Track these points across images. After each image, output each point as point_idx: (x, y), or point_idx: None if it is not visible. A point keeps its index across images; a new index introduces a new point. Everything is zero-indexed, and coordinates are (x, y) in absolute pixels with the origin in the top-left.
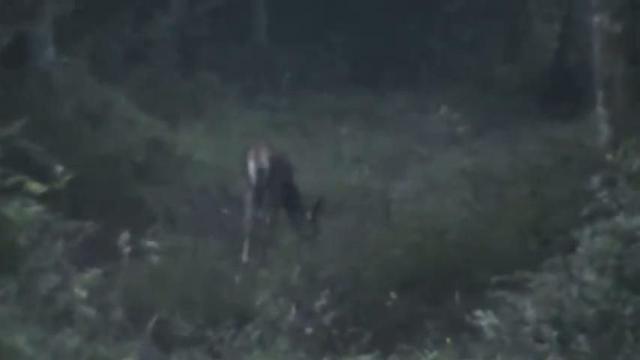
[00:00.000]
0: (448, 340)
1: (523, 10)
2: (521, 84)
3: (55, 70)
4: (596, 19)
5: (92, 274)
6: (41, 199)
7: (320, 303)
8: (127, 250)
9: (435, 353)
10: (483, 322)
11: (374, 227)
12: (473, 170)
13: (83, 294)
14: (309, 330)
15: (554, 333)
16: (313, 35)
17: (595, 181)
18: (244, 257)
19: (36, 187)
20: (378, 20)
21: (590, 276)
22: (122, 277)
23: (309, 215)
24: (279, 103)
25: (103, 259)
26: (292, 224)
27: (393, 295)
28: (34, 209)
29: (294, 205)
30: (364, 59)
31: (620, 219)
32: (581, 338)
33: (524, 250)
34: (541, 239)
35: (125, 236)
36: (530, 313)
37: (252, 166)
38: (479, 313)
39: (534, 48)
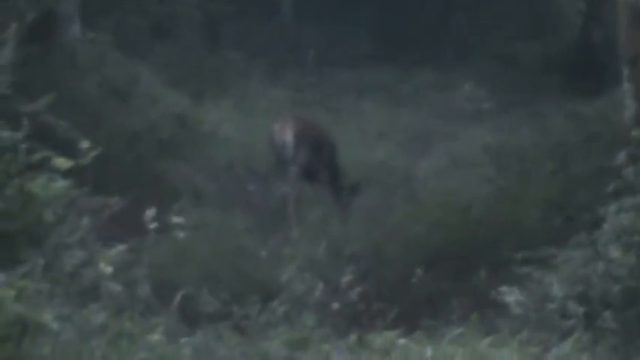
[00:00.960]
0: (474, 316)
1: None
2: (545, 61)
3: (81, 45)
4: None
5: (118, 250)
6: (67, 174)
7: (346, 279)
8: (153, 226)
9: (461, 329)
10: (509, 298)
11: (398, 204)
12: (497, 147)
13: (109, 270)
14: (335, 306)
15: (580, 309)
16: (338, 12)
17: (621, 157)
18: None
19: (61, 162)
20: None
21: (615, 252)
22: (148, 253)
23: (343, 194)
24: (303, 80)
25: (129, 235)
26: (330, 198)
27: (418, 271)
28: (60, 185)
29: (329, 179)
30: (388, 36)
31: None
32: (607, 314)
33: (550, 227)
34: (566, 216)
35: (151, 212)
36: (556, 289)
37: (276, 140)
38: (504, 289)
39: (559, 24)
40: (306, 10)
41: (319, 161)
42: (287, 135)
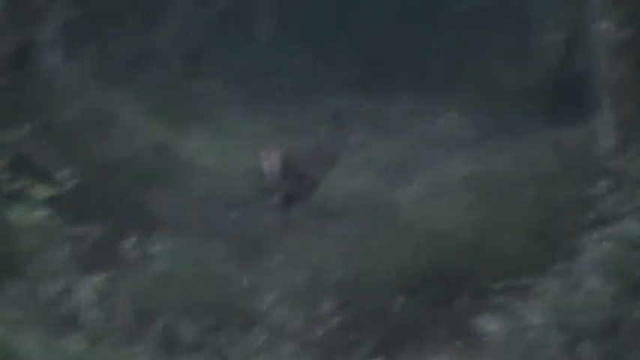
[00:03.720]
0: (454, 345)
1: (529, 15)
2: (526, 89)
3: (61, 73)
4: (603, 24)
5: (98, 278)
6: (46, 203)
7: (326, 308)
8: (133, 254)
9: (442, 358)
10: (489, 327)
11: (379, 232)
12: (477, 175)
13: (89, 298)
14: (315, 335)
15: (560, 338)
16: (318, 39)
17: (601, 186)
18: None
19: (40, 191)
20: (385, 23)
21: (595, 281)
22: (128, 281)
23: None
24: (284, 107)
25: (109, 263)
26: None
27: (399, 299)
28: (40, 214)
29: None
30: (370, 63)
31: (626, 224)
32: (587, 343)
33: (530, 255)
34: (546, 244)
35: (130, 241)
36: (537, 318)
37: (264, 168)
38: (485, 318)
39: (541, 53)
40: (286, 37)
41: (302, 190)
42: (273, 163)
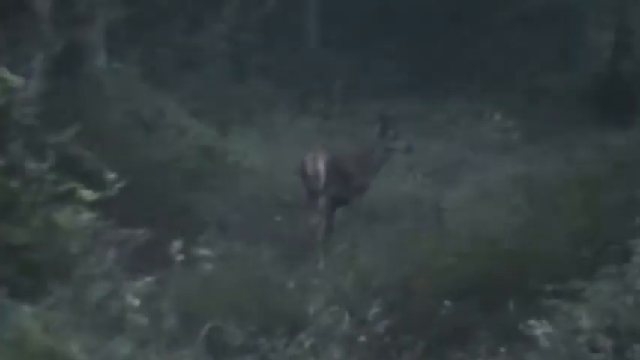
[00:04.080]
0: (502, 349)
1: (576, 17)
2: (574, 92)
3: (107, 76)
4: None
5: (144, 281)
6: (93, 206)
7: (373, 311)
8: (179, 257)
9: None
10: (538, 331)
11: (427, 235)
12: (525, 178)
13: (135, 301)
14: (362, 338)
15: (610, 342)
16: (365, 41)
17: None
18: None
19: (88, 194)
20: (431, 26)
21: None
22: (174, 284)
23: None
24: (331, 109)
25: (155, 266)
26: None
27: (446, 303)
28: (86, 216)
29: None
30: (417, 66)
31: None
32: (637, 347)
33: (578, 259)
34: (595, 248)
35: (177, 244)
36: (585, 322)
37: (308, 171)
38: (533, 321)
39: (588, 55)
40: (333, 39)
41: (349, 193)
42: (319, 165)
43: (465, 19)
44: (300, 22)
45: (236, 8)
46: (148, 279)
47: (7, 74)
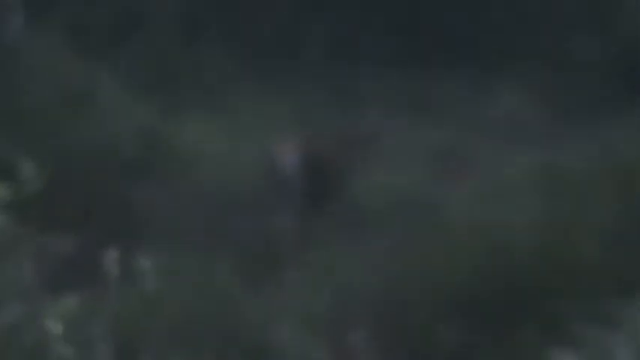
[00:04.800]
0: None
1: None
2: (604, 60)
3: (25, 44)
4: None
5: (70, 302)
6: (7, 206)
7: (356, 338)
8: (115, 270)
9: None
10: None
11: (423, 242)
12: (547, 168)
13: (58, 327)
14: None
15: None
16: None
17: None
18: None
19: (0, 191)
20: None
21: None
22: (108, 305)
23: None
24: (305, 83)
25: (84, 282)
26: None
27: (449, 326)
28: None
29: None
30: (416, 31)
31: None
32: None
33: (613, 271)
34: (634, 255)
35: (112, 253)
36: (623, 353)
37: (279, 161)
38: (558, 350)
39: (618, 18)
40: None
41: (326, 189)
42: (290, 157)
43: None
44: None
45: None
46: (75, 298)
47: None
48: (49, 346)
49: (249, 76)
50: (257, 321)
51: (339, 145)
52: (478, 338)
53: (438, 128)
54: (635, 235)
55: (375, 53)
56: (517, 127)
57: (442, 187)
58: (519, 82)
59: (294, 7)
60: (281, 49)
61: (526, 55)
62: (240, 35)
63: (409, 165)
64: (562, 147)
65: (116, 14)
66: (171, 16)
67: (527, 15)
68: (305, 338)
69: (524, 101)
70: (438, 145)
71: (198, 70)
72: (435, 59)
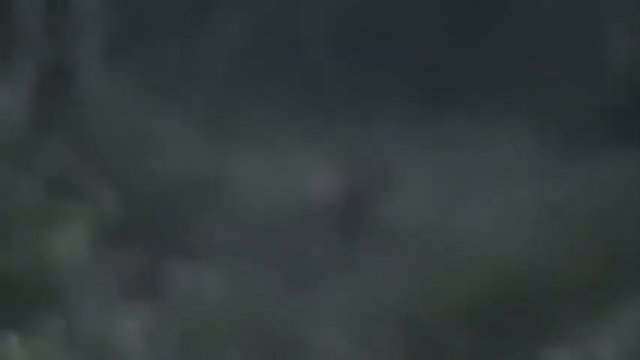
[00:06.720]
0: None
1: (600, 25)
2: (598, 105)
3: (101, 88)
4: None
5: (143, 311)
6: (87, 227)
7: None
8: (182, 283)
9: None
10: None
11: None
12: (547, 204)
13: (133, 332)
14: None
15: None
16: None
17: None
18: None
19: (81, 215)
20: (439, 32)
21: None
22: (175, 317)
23: None
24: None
25: (152, 294)
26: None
27: (464, 335)
28: (80, 239)
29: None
30: (423, 73)
31: None
32: None
33: (607, 290)
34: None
35: (179, 268)
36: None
37: (314, 194)
38: (553, 351)
39: (614, 66)
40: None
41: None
42: (327, 187)
43: (476, 24)
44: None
45: (236, 11)
46: (147, 308)
47: None
48: (126, 348)
49: (281, 115)
50: (301, 326)
51: (367, 176)
52: (489, 345)
53: (449, 163)
54: (625, 259)
55: (384, 91)
56: (519, 164)
57: (455, 216)
58: (519, 126)
59: (318, 48)
60: (308, 90)
61: (526, 100)
62: (273, 79)
63: (426, 195)
64: (561, 184)
65: (180, 61)
66: (224, 63)
67: (526, 63)
68: (342, 345)
69: (523, 143)
70: (449, 177)
71: (248, 108)
72: (446, 99)
